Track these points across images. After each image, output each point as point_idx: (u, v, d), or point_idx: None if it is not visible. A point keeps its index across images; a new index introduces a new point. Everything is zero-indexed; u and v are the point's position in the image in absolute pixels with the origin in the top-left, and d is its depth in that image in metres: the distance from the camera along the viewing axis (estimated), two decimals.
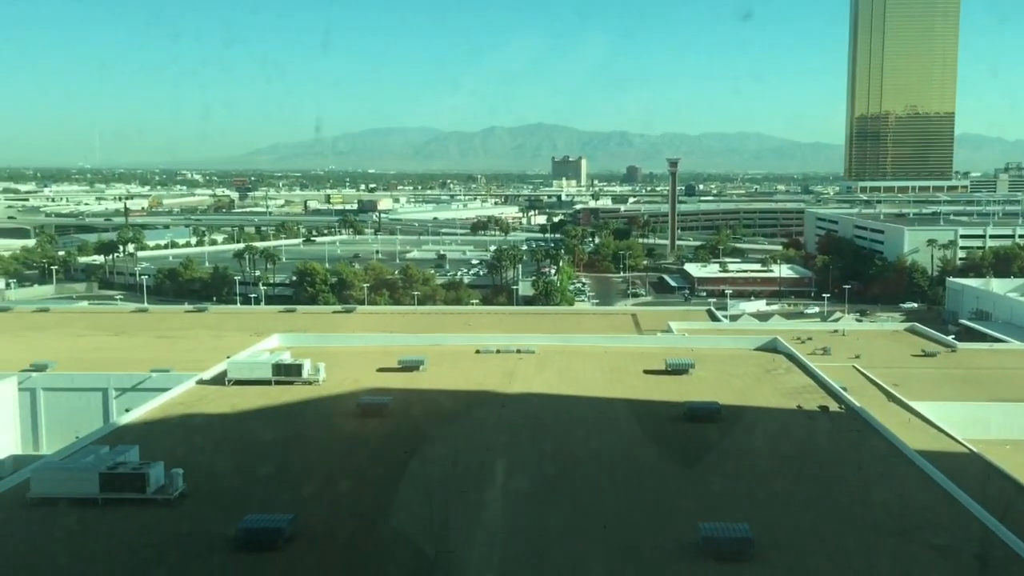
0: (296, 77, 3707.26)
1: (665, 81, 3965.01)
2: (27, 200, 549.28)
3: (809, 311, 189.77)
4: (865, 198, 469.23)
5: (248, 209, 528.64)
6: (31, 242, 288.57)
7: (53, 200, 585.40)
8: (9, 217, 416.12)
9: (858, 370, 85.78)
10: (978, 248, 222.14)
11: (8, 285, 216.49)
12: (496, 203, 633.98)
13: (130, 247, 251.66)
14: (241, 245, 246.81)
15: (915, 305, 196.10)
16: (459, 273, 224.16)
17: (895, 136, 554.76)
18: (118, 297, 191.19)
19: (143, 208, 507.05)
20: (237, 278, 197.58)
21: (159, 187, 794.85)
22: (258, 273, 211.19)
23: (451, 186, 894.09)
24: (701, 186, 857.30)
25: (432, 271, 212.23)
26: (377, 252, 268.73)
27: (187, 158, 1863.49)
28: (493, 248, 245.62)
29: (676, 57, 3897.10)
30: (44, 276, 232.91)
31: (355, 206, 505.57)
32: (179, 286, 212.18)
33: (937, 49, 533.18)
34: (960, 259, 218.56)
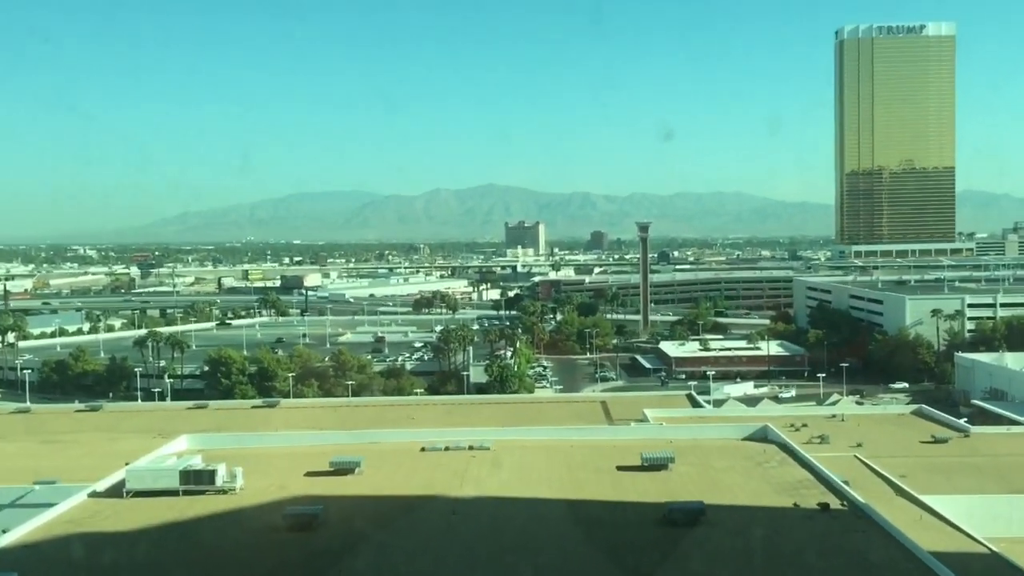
0: (207, 137, 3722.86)
1: (632, 137, 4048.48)
2: None
3: (784, 395, 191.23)
4: (860, 264, 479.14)
5: (151, 288, 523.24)
6: None
7: None
8: None
9: (861, 460, 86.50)
10: (988, 318, 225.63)
11: None
12: (442, 276, 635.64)
13: (10, 336, 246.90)
14: (143, 331, 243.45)
15: (906, 385, 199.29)
16: (400, 358, 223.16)
17: (891, 194, 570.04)
18: None
19: (26, 290, 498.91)
20: (138, 370, 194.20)
21: (45, 265, 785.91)
22: (163, 363, 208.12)
23: (389, 258, 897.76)
24: (676, 252, 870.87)
25: (369, 356, 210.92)
26: (304, 336, 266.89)
27: (79, 230, 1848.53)
28: (439, 328, 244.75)
29: (643, 111, 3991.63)
30: None
31: (278, 283, 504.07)
32: (69, 381, 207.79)
33: (932, 98, 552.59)
34: (969, 331, 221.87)
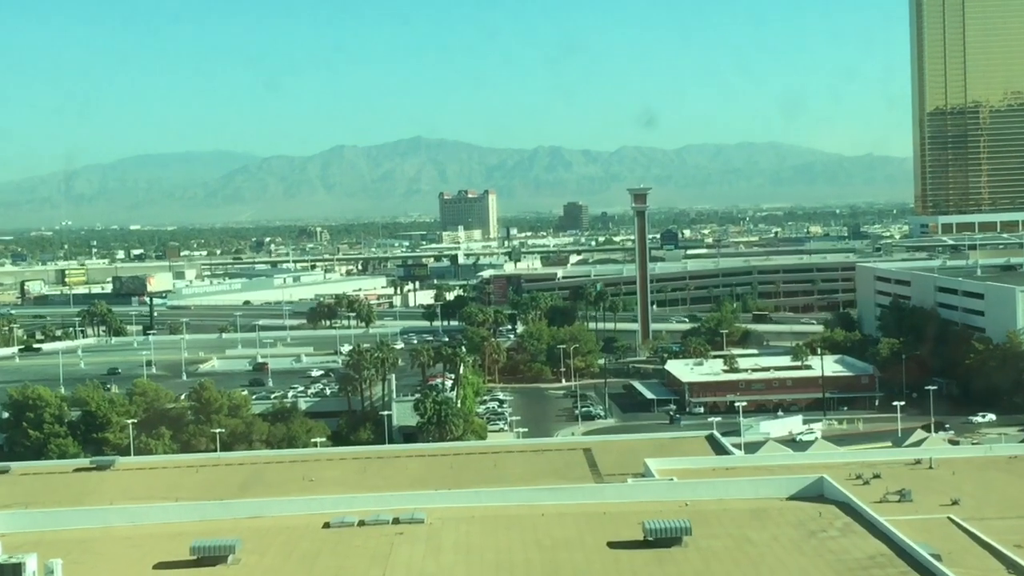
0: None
1: (621, 69, 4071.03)
2: None
3: (838, 427, 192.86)
4: (951, 242, 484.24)
5: None
6: None
7: None
8: None
9: (958, 524, 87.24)
10: None
11: None
12: (349, 273, 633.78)
13: None
14: None
15: (993, 417, 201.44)
16: (291, 393, 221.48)
17: (992, 141, 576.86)
18: None
19: None
20: None
21: None
22: None
23: (272, 247, 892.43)
24: (687, 231, 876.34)
25: (245, 392, 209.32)
26: (150, 364, 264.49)
27: None
28: (346, 349, 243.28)
29: (637, 37, 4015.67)
30: None
31: (109, 287, 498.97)
32: None
33: None
34: None
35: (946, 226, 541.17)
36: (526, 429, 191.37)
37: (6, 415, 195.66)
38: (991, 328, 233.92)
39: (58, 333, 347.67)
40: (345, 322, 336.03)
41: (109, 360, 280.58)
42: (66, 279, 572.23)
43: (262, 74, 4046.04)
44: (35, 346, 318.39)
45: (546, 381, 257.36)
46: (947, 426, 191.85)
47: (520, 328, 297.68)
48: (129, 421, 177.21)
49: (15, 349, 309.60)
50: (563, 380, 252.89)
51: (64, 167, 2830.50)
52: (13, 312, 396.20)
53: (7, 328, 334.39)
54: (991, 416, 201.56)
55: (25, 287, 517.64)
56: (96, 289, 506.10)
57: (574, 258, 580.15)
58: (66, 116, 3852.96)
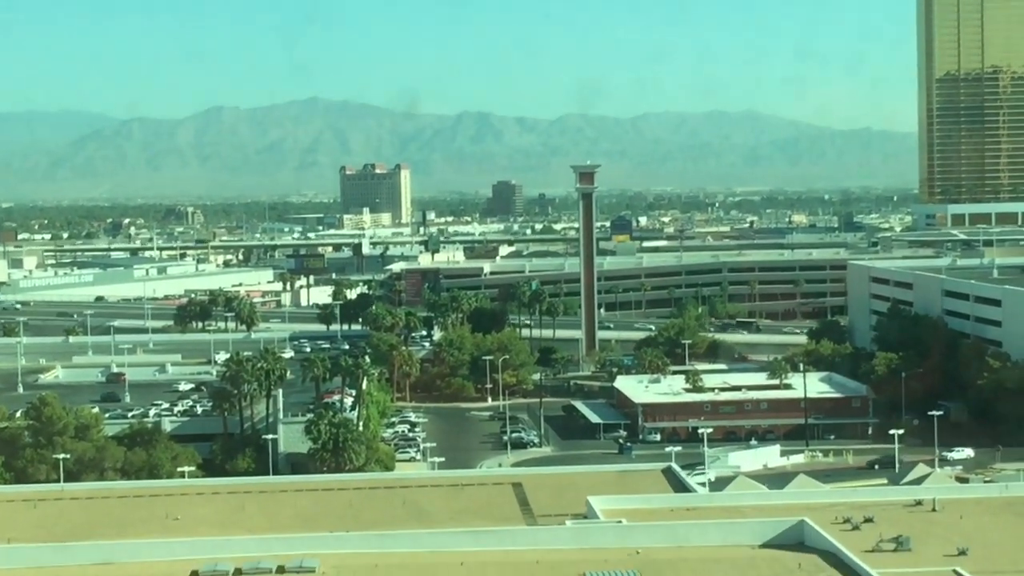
0: None
1: (566, 16, 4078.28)
2: None
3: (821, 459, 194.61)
4: (962, 236, 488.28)
5: None
6: None
7: None
8: None
9: None
10: None
11: None
12: (227, 263, 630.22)
13: None
14: None
15: (970, 453, 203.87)
16: (152, 411, 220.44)
17: (1013, 114, 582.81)
18: None
19: None
20: None
21: None
22: None
23: (132, 230, 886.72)
24: (644, 219, 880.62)
25: (95, 409, 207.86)
26: None
27: None
28: (222, 358, 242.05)
29: None
30: None
31: None
32: None
33: None
34: None
35: (957, 217, 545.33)
36: (443, 459, 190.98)
37: None
38: (1010, 341, 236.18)
39: None
40: (222, 324, 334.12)
41: None
42: None
43: (119, 16, 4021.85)
44: None
45: (468, 400, 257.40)
46: (954, 458, 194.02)
47: (437, 335, 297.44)
48: None
49: None
50: (489, 399, 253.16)
51: None
52: None
53: None
54: (967, 452, 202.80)
55: None
56: None
57: (505, 249, 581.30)
58: None
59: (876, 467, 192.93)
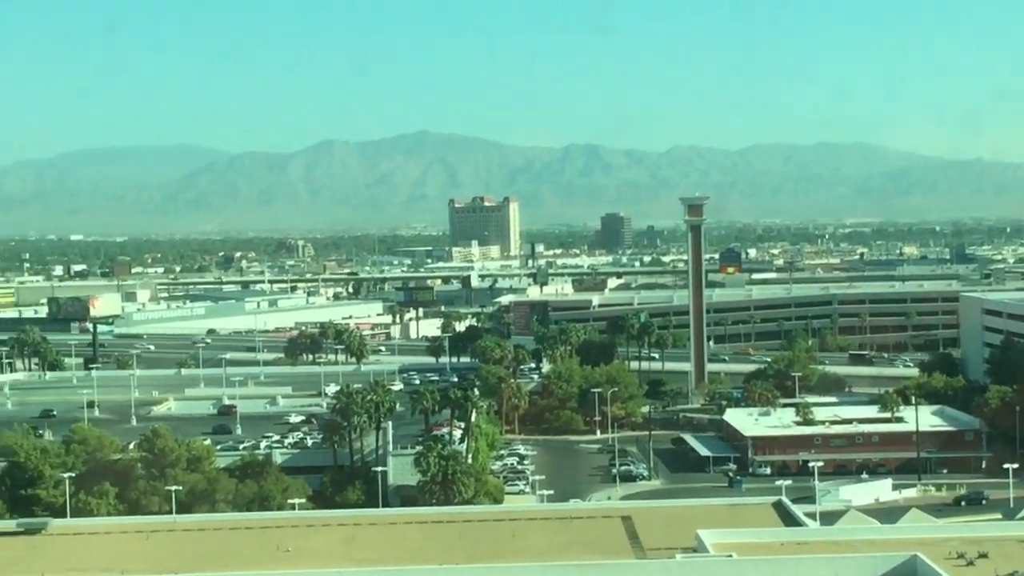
0: None
1: (674, 47, 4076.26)
2: None
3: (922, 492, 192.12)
4: None
5: None
6: None
7: None
8: None
9: None
10: None
11: None
12: (337, 296, 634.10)
13: None
14: None
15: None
16: (264, 443, 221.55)
17: None
18: None
19: None
20: None
21: None
22: None
23: (244, 263, 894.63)
24: (753, 251, 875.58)
25: (207, 441, 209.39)
26: (92, 405, 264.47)
27: None
28: (332, 391, 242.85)
29: (693, 5, 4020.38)
30: None
31: (44, 310, 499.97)
32: None
33: None
34: None
35: None
36: (552, 491, 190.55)
37: None
38: None
39: None
40: (332, 357, 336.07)
41: (42, 400, 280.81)
42: None
43: (234, 55, 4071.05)
44: None
45: (577, 432, 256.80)
46: None
47: (546, 367, 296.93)
48: (65, 475, 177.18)
49: None
50: (598, 431, 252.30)
51: None
52: None
53: None
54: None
55: None
56: (28, 312, 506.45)
57: (613, 282, 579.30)
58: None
59: (963, 503, 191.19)
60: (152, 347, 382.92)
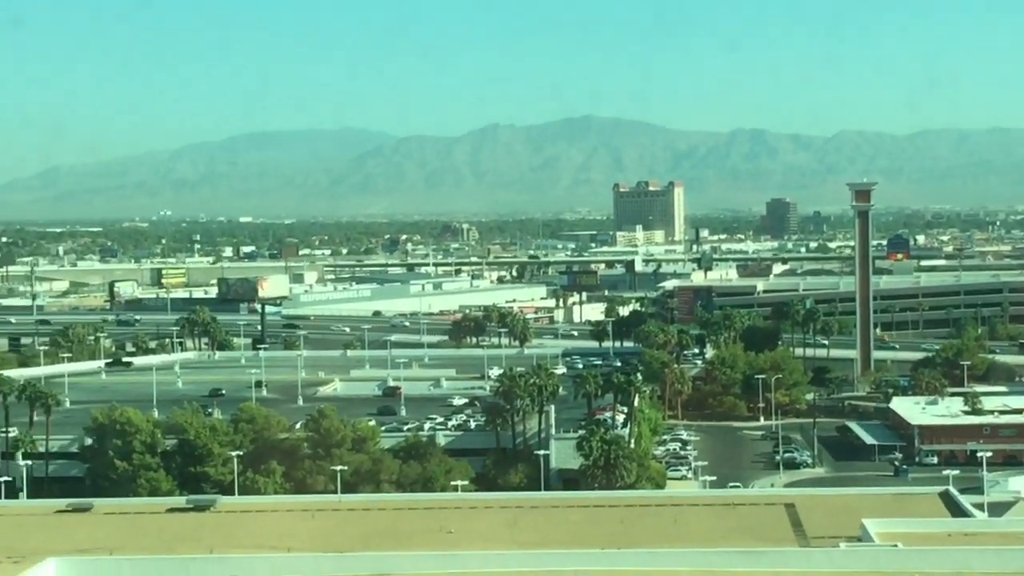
0: (105, 51, 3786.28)
1: (841, 27, 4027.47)
2: None
3: None
4: None
5: None
6: None
7: None
8: None
9: None
10: None
11: None
12: (501, 279, 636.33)
13: None
14: None
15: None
16: (427, 425, 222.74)
17: None
18: None
19: None
20: None
21: None
22: (14, 432, 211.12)
23: (409, 246, 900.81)
24: (920, 237, 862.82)
25: (372, 422, 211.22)
26: (260, 385, 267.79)
27: None
28: (495, 373, 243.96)
29: None
30: None
31: (213, 290, 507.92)
32: None
33: None
34: None
35: None
36: (714, 477, 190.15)
37: (89, 441, 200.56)
38: None
39: (152, 345, 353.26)
40: (495, 340, 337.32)
41: (211, 379, 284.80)
42: (163, 280, 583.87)
43: (402, 38, 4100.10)
44: (124, 360, 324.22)
45: (740, 419, 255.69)
46: None
47: (709, 352, 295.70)
48: (233, 453, 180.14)
49: (101, 363, 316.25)
50: (761, 418, 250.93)
51: (164, 146, 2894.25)
52: (100, 319, 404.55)
53: (92, 338, 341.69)
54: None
55: (115, 289, 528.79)
56: (198, 293, 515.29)
57: (778, 267, 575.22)
58: (166, 85, 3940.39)
59: None
60: (345, 328, 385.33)
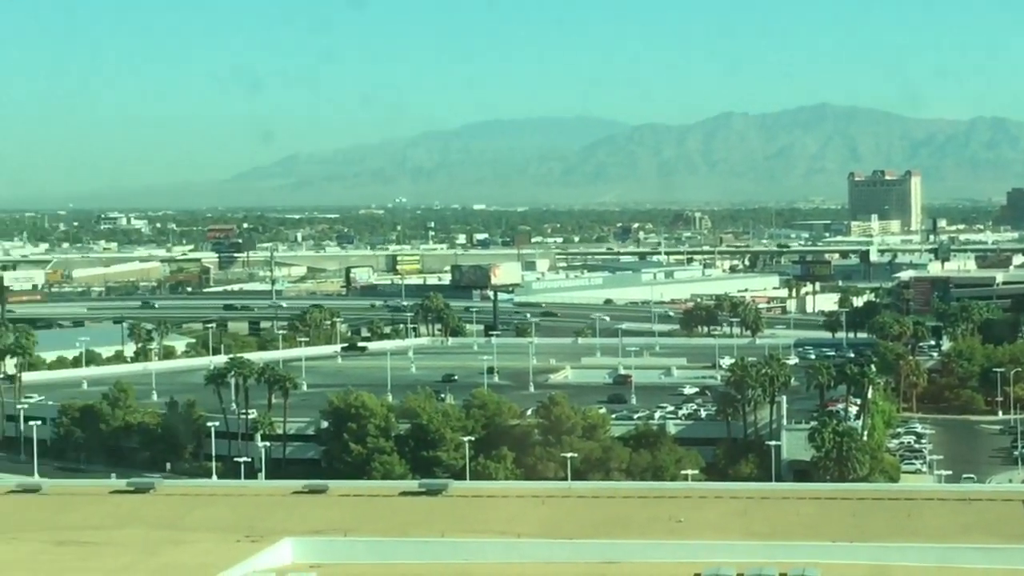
0: (337, 43, 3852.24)
1: None
2: None
3: None
4: None
5: (235, 286, 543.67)
6: None
7: None
8: None
9: None
10: None
11: None
12: (733, 268, 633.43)
13: (8, 363, 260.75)
14: (221, 359, 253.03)
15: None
16: (657, 413, 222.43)
17: None
18: None
19: (36, 286, 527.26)
20: (213, 425, 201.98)
21: (65, 244, 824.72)
22: (254, 414, 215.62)
23: (641, 234, 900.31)
24: None
25: (602, 410, 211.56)
26: (491, 371, 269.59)
27: (118, 187, 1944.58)
28: (727, 363, 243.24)
29: None
30: None
31: (447, 277, 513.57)
32: (100, 440, 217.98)
33: None
34: None
35: None
36: (950, 471, 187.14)
37: (325, 424, 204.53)
38: None
39: (386, 330, 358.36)
40: (726, 329, 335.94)
41: (444, 365, 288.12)
42: (398, 267, 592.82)
43: (633, 27, 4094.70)
44: (360, 345, 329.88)
45: (977, 412, 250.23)
46: None
47: (946, 345, 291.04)
48: (465, 439, 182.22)
49: (337, 347, 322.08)
50: (1000, 412, 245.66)
51: (400, 134, 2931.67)
52: (340, 305, 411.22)
53: (329, 323, 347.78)
54: None
55: (351, 275, 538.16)
56: (432, 279, 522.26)
57: (1019, 258, 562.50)
58: (402, 75, 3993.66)
59: None
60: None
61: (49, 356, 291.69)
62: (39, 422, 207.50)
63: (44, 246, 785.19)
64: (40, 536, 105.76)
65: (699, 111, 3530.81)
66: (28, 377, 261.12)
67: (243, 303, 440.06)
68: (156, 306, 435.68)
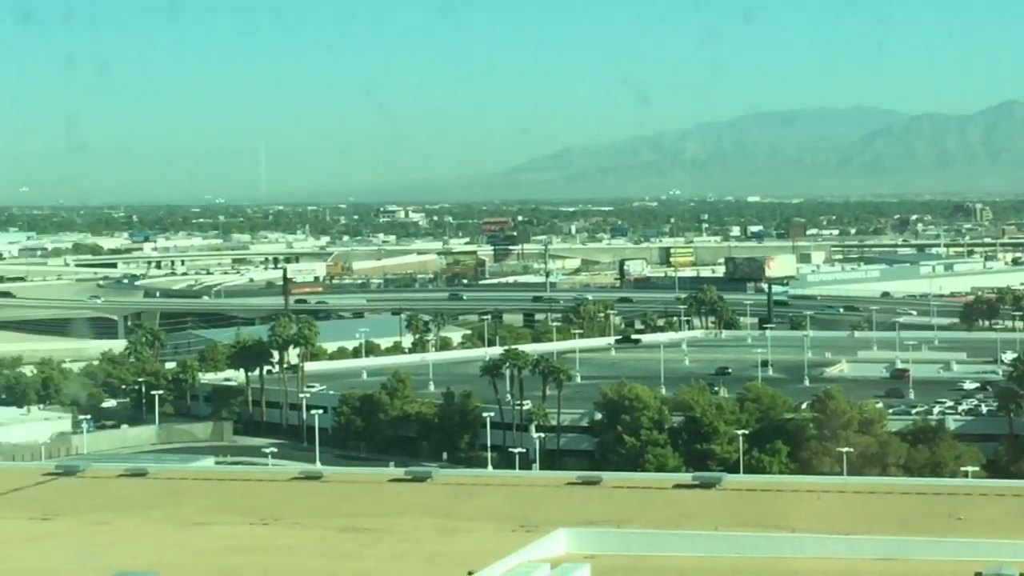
0: (610, 36, 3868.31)
1: None
2: (116, 265, 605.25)
3: None
4: None
5: (509, 278, 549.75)
6: (119, 344, 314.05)
7: (159, 264, 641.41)
8: (92, 297, 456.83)
9: None
10: None
11: (80, 425, 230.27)
12: (1016, 261, 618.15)
13: (292, 353, 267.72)
14: (496, 351, 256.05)
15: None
16: (936, 409, 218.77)
17: None
18: (270, 451, 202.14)
19: (317, 279, 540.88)
20: (489, 415, 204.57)
21: (345, 237, 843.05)
22: (529, 405, 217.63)
23: (919, 226, 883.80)
24: None
25: (879, 404, 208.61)
26: (765, 364, 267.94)
27: (392, 182, 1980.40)
28: (1009, 357, 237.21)
29: None
30: (140, 408, 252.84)
31: (720, 270, 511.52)
32: (379, 430, 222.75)
33: None
34: None
35: None
36: None
37: (599, 416, 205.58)
38: None
39: (660, 323, 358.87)
40: (1009, 323, 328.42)
41: (718, 357, 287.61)
42: (671, 259, 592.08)
43: (916, 12, 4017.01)
44: (634, 337, 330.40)
45: None
46: None
47: None
48: (739, 432, 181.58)
49: (611, 340, 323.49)
50: None
51: (672, 127, 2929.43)
52: (614, 297, 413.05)
53: (603, 315, 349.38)
54: None
55: (624, 267, 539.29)
56: (705, 272, 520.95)
57: None
58: (676, 69, 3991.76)
59: None
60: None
61: (330, 346, 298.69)
62: (321, 411, 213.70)
63: (325, 239, 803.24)
64: (323, 522, 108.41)
65: (981, 100, 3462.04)
66: (310, 367, 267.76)
67: (549, 295, 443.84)
68: (464, 298, 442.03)
